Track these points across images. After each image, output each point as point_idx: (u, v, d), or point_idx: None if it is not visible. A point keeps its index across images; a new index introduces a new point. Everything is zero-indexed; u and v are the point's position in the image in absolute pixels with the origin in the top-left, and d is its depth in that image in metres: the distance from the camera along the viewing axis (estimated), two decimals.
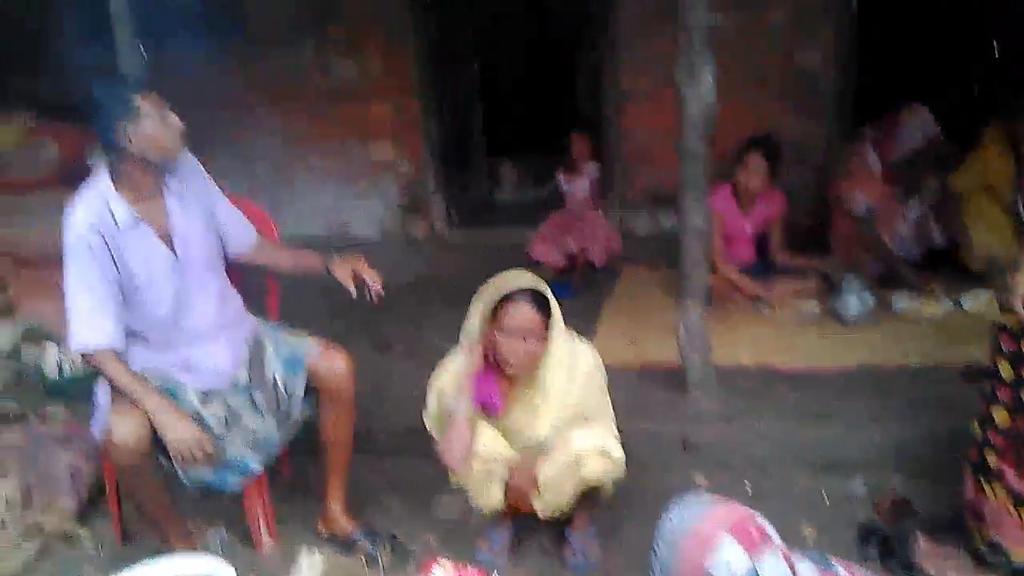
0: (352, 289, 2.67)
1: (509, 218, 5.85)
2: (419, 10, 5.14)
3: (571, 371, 2.51)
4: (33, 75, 5.11)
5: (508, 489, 2.58)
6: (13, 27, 4.89)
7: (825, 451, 3.01)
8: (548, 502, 2.56)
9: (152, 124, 2.43)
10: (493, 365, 2.51)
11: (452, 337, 2.59)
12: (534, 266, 4.95)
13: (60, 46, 4.83)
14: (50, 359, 3.81)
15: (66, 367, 3.78)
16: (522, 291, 2.41)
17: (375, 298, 2.69)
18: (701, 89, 2.86)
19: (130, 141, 2.42)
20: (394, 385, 3.55)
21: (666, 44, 4.51)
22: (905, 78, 5.06)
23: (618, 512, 2.89)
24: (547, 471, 2.51)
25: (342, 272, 2.70)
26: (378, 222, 5.56)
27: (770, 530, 1.64)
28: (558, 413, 2.52)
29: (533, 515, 2.63)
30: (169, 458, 2.51)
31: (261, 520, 2.86)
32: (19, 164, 4.79)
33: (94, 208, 2.47)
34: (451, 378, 2.55)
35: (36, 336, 3.97)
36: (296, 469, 3.23)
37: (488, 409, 2.52)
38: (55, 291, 2.56)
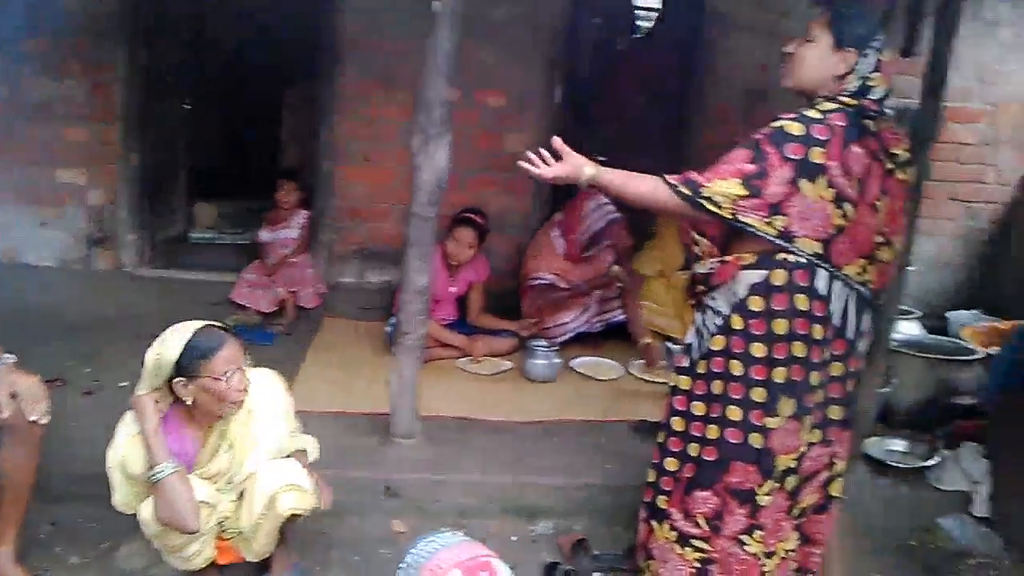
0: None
1: (204, 259, 5.64)
2: (132, 36, 4.90)
3: (250, 402, 2.57)
4: None
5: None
6: None
7: (516, 497, 3.25)
8: (255, 549, 2.59)
9: None
10: (183, 416, 2.51)
11: (134, 376, 2.52)
12: (238, 309, 4.88)
13: None
14: None
15: None
16: (219, 331, 2.47)
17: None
18: (435, 159, 3.05)
19: None
20: (69, 425, 3.27)
21: (386, 108, 4.80)
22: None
23: (317, 558, 2.93)
24: (244, 519, 2.54)
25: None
26: (58, 251, 5.12)
27: (502, 571, 1.78)
28: (254, 446, 2.56)
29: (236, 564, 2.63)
30: None
31: None
32: None
33: None
34: (132, 445, 2.47)
35: None
36: None
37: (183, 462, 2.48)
38: None
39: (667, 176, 2.39)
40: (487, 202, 4.88)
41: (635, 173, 2.45)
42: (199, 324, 2.48)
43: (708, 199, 2.31)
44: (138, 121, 5.08)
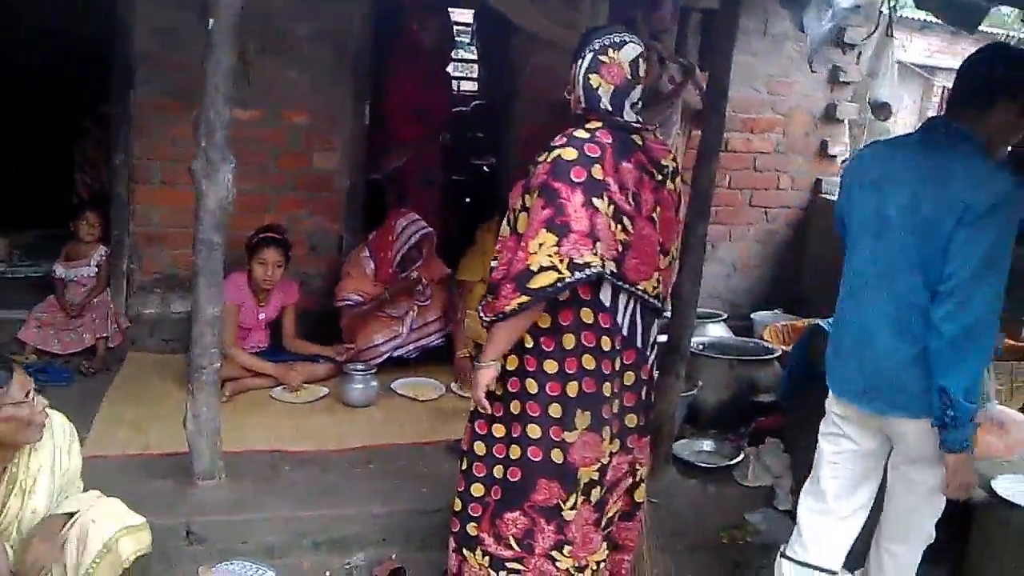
0: None
1: None
2: None
3: None
4: None
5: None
6: None
7: (330, 529, 3.14)
8: None
9: None
10: None
11: None
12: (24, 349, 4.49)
13: None
14: None
15: None
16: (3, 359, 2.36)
17: None
18: (219, 183, 2.90)
19: None
20: None
21: (183, 128, 4.53)
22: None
23: None
24: (70, 568, 2.33)
25: None
26: None
27: None
28: (47, 477, 2.40)
29: None
30: None
31: None
32: None
33: None
34: None
35: None
36: None
37: None
38: None
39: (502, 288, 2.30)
40: (297, 222, 4.73)
41: (496, 325, 2.35)
42: None
43: (534, 274, 2.22)
44: None
